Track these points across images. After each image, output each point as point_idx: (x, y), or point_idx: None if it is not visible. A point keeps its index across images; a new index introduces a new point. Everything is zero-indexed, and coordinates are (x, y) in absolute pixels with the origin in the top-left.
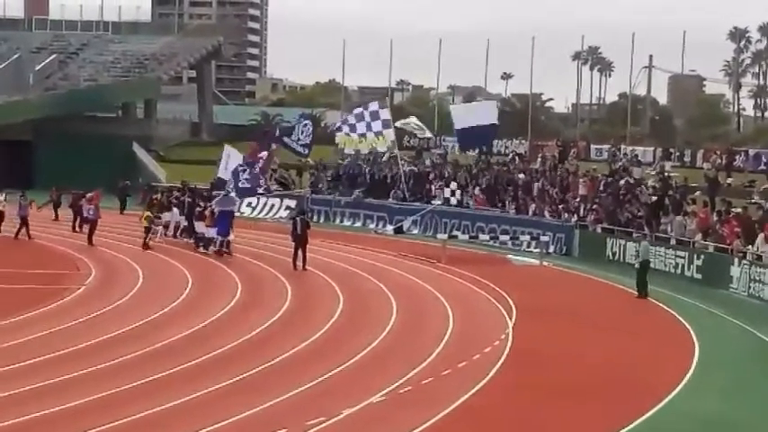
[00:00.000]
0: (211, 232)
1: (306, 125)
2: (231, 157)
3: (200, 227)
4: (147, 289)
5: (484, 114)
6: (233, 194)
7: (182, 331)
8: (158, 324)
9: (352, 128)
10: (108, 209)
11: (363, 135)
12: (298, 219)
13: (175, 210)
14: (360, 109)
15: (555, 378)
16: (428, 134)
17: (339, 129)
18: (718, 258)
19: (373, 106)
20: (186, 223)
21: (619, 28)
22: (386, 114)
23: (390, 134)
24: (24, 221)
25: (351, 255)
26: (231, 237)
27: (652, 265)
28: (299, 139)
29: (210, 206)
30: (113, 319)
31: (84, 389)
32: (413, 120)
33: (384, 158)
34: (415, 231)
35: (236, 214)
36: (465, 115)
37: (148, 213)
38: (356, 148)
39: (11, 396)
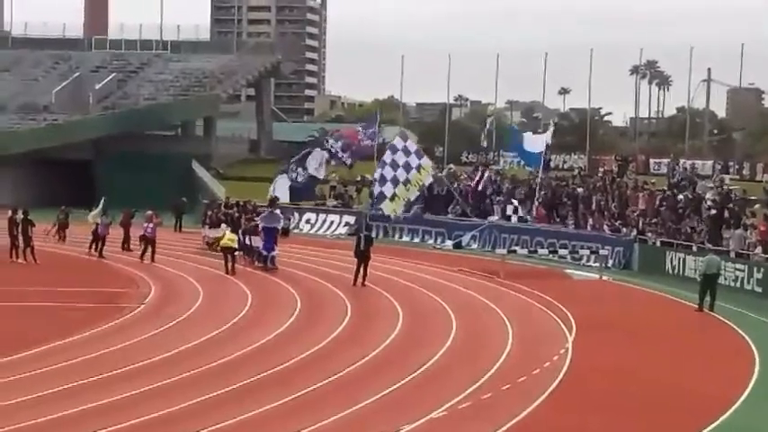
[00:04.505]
0: (261, 245)
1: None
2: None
3: (256, 241)
4: (207, 305)
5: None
6: (278, 211)
7: (242, 348)
8: (219, 341)
9: (394, 181)
10: (164, 227)
11: (407, 181)
12: (362, 235)
13: (223, 225)
14: (389, 155)
15: (614, 393)
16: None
17: (381, 197)
18: None
19: (399, 143)
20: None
21: (677, 42)
22: (412, 145)
23: (427, 161)
24: (102, 240)
25: (410, 270)
26: (275, 252)
27: None
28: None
29: (257, 222)
30: (174, 335)
31: (144, 406)
32: None
33: (443, 174)
34: (474, 246)
35: (295, 231)
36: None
37: (233, 235)
38: (406, 200)
39: (76, 413)
